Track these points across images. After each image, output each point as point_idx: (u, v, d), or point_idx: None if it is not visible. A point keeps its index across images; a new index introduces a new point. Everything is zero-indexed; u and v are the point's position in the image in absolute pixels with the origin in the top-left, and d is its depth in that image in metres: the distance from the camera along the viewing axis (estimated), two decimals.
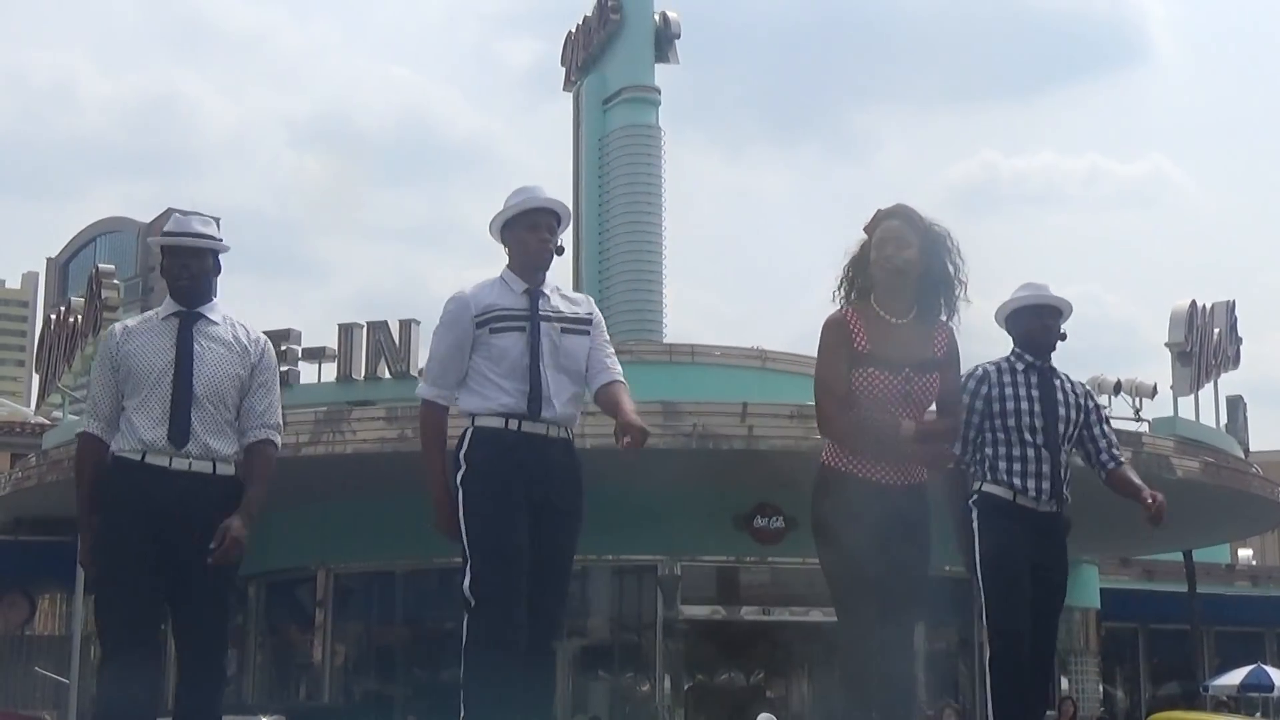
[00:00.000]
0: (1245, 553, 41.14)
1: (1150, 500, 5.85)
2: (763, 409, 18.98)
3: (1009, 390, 5.90)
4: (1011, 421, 5.85)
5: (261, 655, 23.35)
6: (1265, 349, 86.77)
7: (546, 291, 5.26)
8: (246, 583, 21.66)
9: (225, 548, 5.06)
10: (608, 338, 5.43)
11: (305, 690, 22.22)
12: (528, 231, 5.23)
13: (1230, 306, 26.54)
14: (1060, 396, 5.97)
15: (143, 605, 5.11)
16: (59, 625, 26.91)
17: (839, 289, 5.32)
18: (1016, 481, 5.81)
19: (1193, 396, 24.45)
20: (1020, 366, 5.98)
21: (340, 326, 22.08)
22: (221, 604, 5.30)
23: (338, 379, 21.80)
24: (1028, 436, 5.84)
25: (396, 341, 21.69)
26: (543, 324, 5.17)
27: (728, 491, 19.84)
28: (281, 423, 5.50)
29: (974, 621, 22.18)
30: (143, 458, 5.14)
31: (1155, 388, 24.07)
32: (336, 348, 21.99)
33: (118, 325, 5.46)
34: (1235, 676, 29.87)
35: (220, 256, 5.40)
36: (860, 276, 5.26)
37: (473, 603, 5.00)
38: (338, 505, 20.70)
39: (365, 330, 21.92)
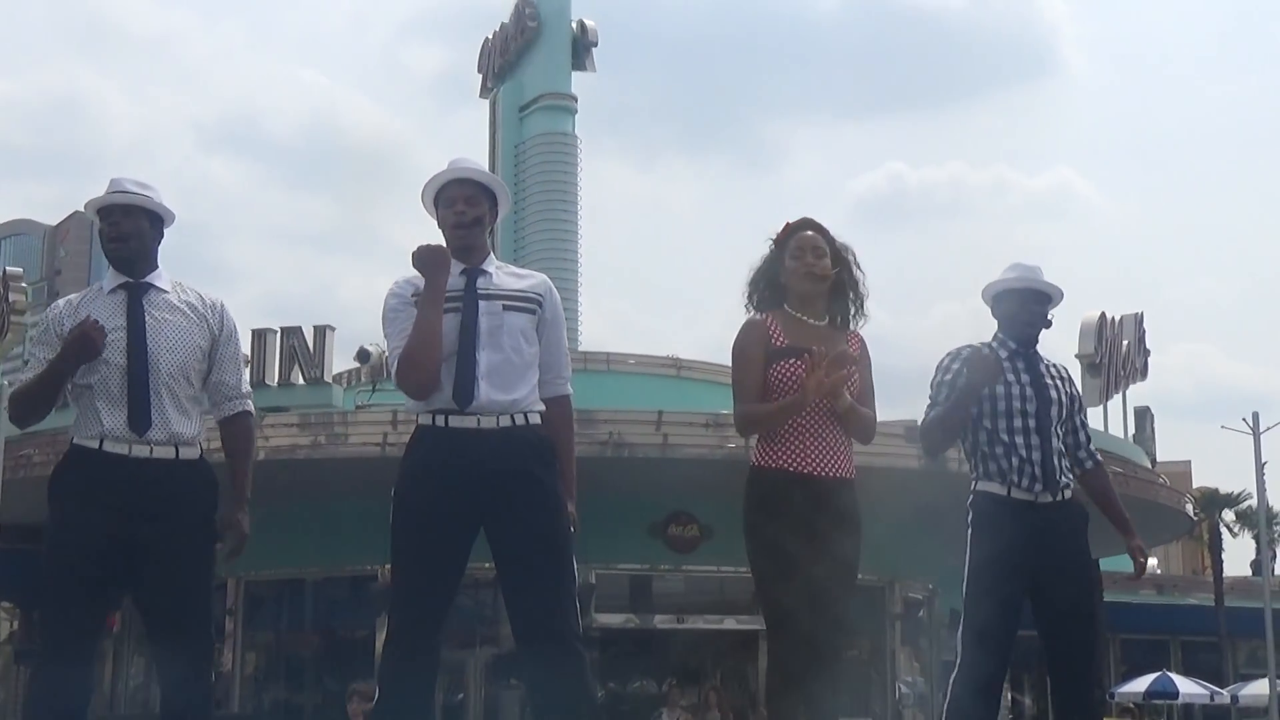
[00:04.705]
0: (1150, 561, 41.79)
1: (1141, 560, 5.76)
2: (677, 417, 19.02)
3: None
4: (1002, 405, 5.55)
5: None
6: (1172, 361, 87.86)
7: (489, 269, 4.78)
8: None
9: (236, 546, 4.84)
10: (562, 331, 4.93)
11: (215, 699, 21.98)
12: (443, 208, 4.80)
13: (1139, 319, 26.93)
14: (1049, 380, 5.68)
15: (80, 614, 4.69)
16: None
17: (748, 301, 5.24)
18: (1009, 472, 5.51)
19: (1102, 407, 24.81)
20: (1004, 353, 5.67)
21: (254, 332, 21.79)
22: (202, 600, 4.83)
23: (250, 384, 21.49)
24: (1017, 422, 5.55)
25: (311, 348, 21.48)
26: (482, 303, 4.67)
27: (642, 499, 19.84)
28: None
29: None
30: (100, 445, 4.70)
31: None
32: (249, 353, 21.75)
33: (61, 301, 4.98)
34: (1141, 684, 30.33)
35: (164, 225, 4.96)
36: (770, 287, 5.19)
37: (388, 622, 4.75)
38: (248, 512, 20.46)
39: (279, 336, 21.71)
